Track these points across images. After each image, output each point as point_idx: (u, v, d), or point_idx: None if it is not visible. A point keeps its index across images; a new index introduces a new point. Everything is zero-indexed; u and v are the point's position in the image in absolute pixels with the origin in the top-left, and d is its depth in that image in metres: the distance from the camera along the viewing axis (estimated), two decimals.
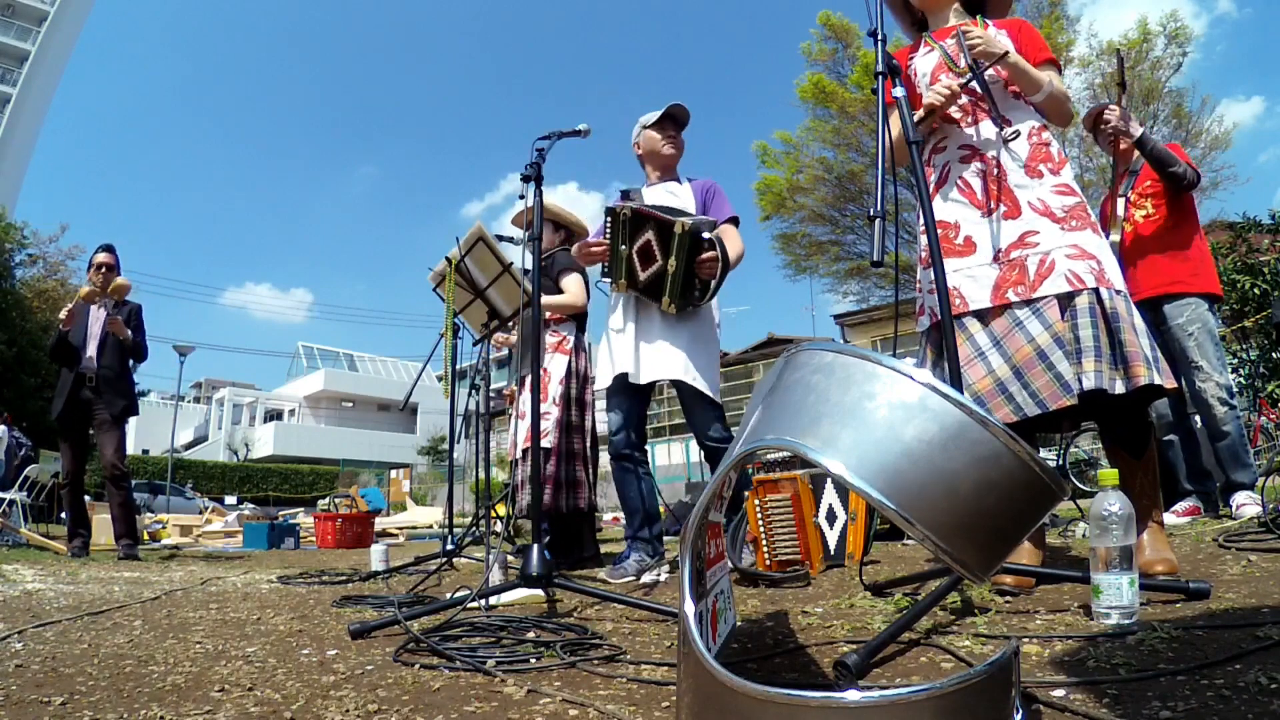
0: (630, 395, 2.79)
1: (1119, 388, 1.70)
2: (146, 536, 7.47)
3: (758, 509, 2.60)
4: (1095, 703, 0.98)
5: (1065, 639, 1.32)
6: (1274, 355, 7.38)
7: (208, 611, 2.21)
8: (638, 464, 2.84)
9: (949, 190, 1.96)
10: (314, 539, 6.63)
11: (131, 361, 4.81)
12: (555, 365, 3.48)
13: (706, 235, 2.57)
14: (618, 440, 2.83)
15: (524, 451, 3.37)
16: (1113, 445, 1.87)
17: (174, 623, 2.01)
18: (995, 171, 1.89)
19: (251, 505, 14.19)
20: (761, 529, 2.59)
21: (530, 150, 2.33)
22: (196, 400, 46.75)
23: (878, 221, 1.55)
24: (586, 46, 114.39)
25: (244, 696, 1.22)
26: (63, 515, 6.58)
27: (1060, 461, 6.47)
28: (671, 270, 2.58)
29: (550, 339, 3.50)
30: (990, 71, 1.96)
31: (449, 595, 2.25)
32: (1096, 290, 1.75)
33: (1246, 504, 3.22)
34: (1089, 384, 1.69)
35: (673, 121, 2.95)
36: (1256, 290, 7.26)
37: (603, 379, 2.84)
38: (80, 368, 4.51)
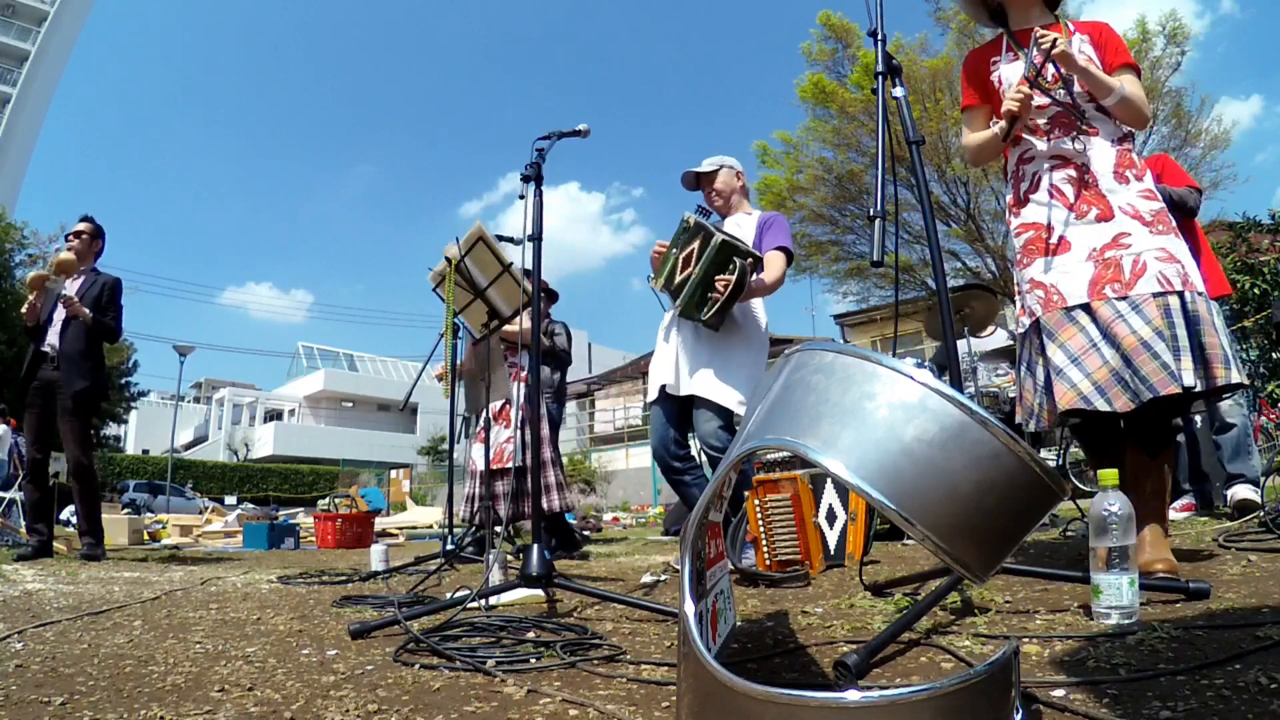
0: (669, 406, 2.88)
1: (1200, 386, 1.77)
2: (146, 536, 7.46)
3: (758, 509, 2.60)
4: (1095, 703, 0.98)
5: (1065, 639, 1.32)
6: (1274, 355, 7.38)
7: (208, 611, 2.21)
8: (685, 470, 2.90)
9: (1040, 196, 2.01)
10: (314, 539, 6.63)
11: (108, 342, 4.38)
12: (515, 393, 3.83)
13: (736, 260, 2.63)
14: (659, 452, 2.91)
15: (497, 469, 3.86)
16: (1132, 444, 1.91)
17: (174, 623, 2.01)
18: (1087, 177, 1.96)
19: (251, 505, 14.19)
20: (761, 529, 2.59)
21: (530, 150, 2.33)
22: (196, 400, 46.75)
23: (878, 221, 1.55)
24: (586, 46, 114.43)
25: (244, 696, 1.22)
26: (62, 515, 6.54)
27: (1060, 461, 6.46)
28: (692, 278, 2.65)
29: (509, 369, 3.76)
30: (1077, 85, 1.98)
31: (449, 595, 2.25)
32: (1182, 293, 1.82)
33: (1242, 489, 3.26)
34: (1188, 380, 1.75)
35: (692, 187, 3.13)
36: (1256, 290, 7.27)
37: (650, 391, 2.98)
38: (44, 346, 4.21)
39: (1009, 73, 2.07)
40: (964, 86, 2.18)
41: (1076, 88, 1.99)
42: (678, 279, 2.77)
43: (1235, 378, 1.76)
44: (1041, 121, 2.03)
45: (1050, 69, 1.97)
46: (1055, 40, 1.89)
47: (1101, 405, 1.81)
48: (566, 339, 5.05)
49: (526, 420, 3.78)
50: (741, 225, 3.01)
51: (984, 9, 2.18)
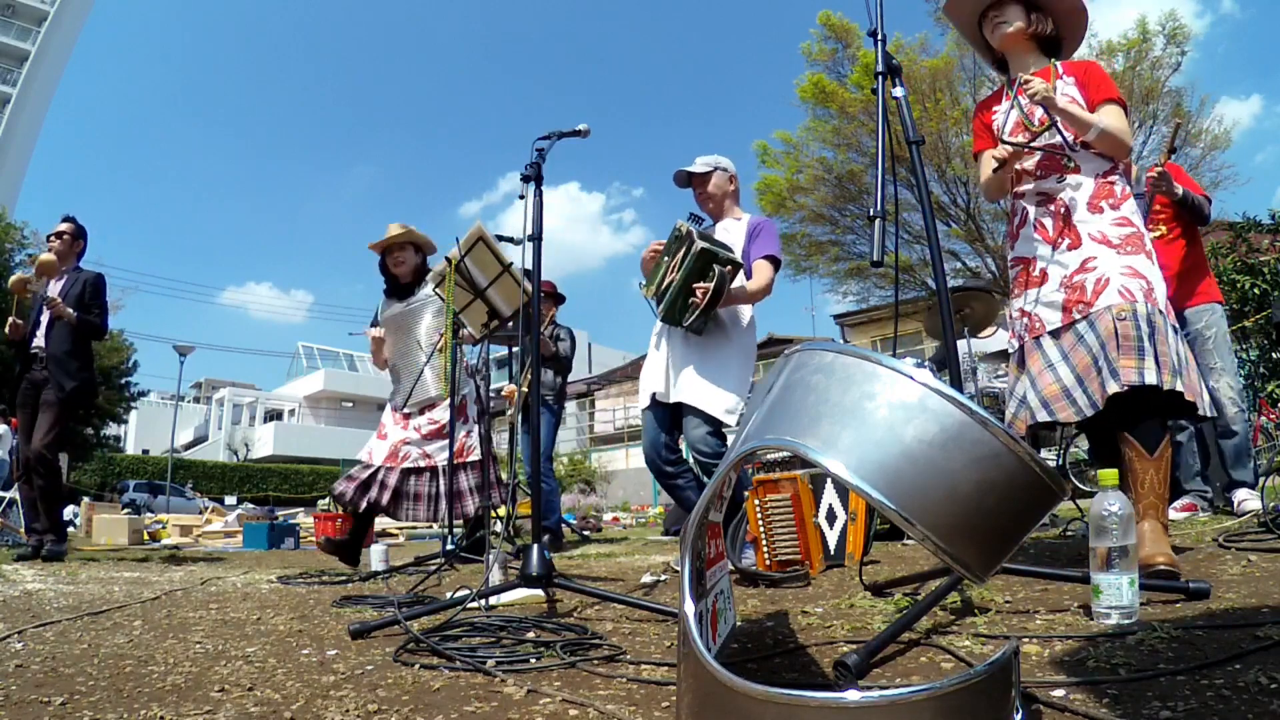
0: (660, 411, 2.90)
1: (1162, 384, 1.86)
2: (146, 536, 7.46)
3: (758, 509, 2.60)
4: (1095, 703, 0.98)
5: (1065, 639, 1.32)
6: (1274, 355, 7.38)
7: (208, 611, 2.21)
8: (679, 474, 2.91)
9: (1028, 231, 2.17)
10: (314, 539, 6.63)
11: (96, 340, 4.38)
12: (469, 388, 3.86)
13: (715, 267, 2.64)
14: (650, 456, 2.93)
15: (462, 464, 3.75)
16: (1131, 441, 1.99)
17: (174, 623, 2.01)
18: (1063, 211, 2.10)
19: (251, 505, 14.18)
20: (761, 529, 2.59)
21: (530, 150, 2.33)
22: (196, 400, 46.75)
23: (878, 221, 1.56)
24: (586, 46, 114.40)
25: (244, 696, 1.22)
26: (64, 515, 6.51)
27: (1060, 461, 6.46)
28: (673, 286, 2.67)
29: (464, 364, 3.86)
30: (1060, 126, 2.10)
31: (449, 595, 2.25)
32: (1144, 305, 1.93)
33: (1248, 499, 3.40)
34: (1150, 379, 1.85)
35: (687, 185, 3.12)
36: (1256, 290, 7.26)
37: (641, 398, 2.99)
38: (32, 348, 4.21)
39: (1003, 119, 2.23)
40: (974, 133, 2.37)
41: (1062, 128, 2.11)
42: (663, 286, 2.79)
43: (1179, 386, 1.86)
44: (1030, 165, 2.18)
45: (1038, 111, 2.12)
46: (1031, 85, 2.03)
47: (1043, 417, 2.03)
48: (571, 346, 5.06)
49: (482, 416, 3.83)
50: (730, 230, 3.01)
51: (991, 58, 2.34)
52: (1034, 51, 2.22)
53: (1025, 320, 2.13)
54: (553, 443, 5.14)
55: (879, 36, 1.88)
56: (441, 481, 3.66)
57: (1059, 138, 2.10)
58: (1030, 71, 2.15)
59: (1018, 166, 2.18)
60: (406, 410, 3.76)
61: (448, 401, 3.68)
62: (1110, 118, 2.05)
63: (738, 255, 2.88)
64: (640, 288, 2.94)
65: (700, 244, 2.65)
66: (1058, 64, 2.18)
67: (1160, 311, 1.93)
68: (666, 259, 2.81)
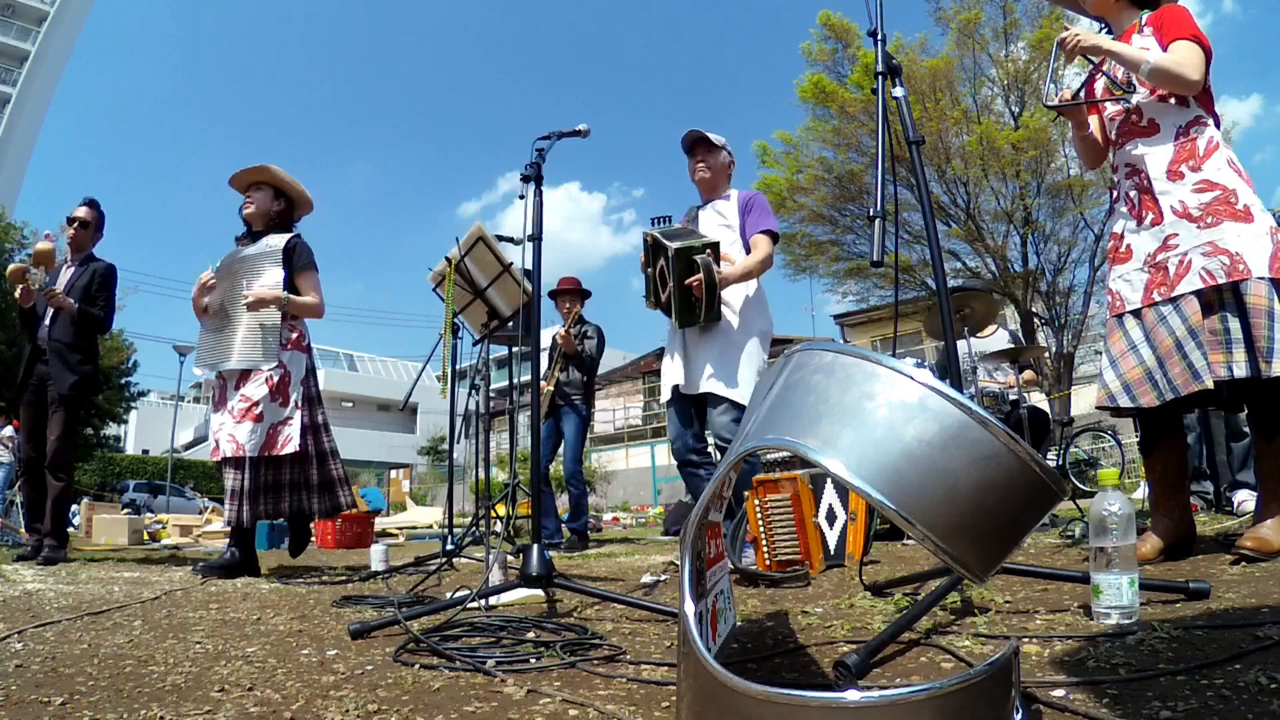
0: (683, 404, 2.97)
1: (1240, 373, 1.84)
2: (146, 536, 7.45)
3: (758, 509, 2.60)
4: (1095, 703, 0.98)
5: (1065, 639, 1.32)
6: None
7: (208, 611, 2.21)
8: (701, 465, 2.99)
9: (1120, 205, 2.18)
10: (314, 539, 6.62)
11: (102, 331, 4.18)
12: (295, 363, 3.28)
13: (697, 259, 2.74)
14: (677, 447, 3.01)
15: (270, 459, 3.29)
16: (1254, 427, 2.01)
17: (174, 623, 2.01)
18: (1145, 183, 2.08)
19: None
20: (761, 529, 2.59)
21: (530, 150, 2.33)
22: (196, 400, 46.74)
23: (878, 221, 1.56)
24: (586, 46, 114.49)
25: (244, 696, 1.22)
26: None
27: (1060, 461, 6.46)
28: (672, 294, 2.76)
29: (289, 334, 3.29)
30: (1135, 83, 2.09)
31: (449, 595, 2.25)
32: (1235, 284, 1.89)
33: (1248, 500, 3.42)
34: (1239, 372, 1.85)
35: (690, 147, 3.16)
36: None
37: (663, 394, 3.09)
38: (36, 339, 4.03)
39: (1098, 88, 2.23)
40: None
41: (1138, 87, 2.07)
42: (664, 296, 2.89)
43: (1275, 371, 1.79)
44: (1112, 134, 2.18)
45: (1119, 71, 2.10)
46: (1065, 38, 2.05)
47: (1124, 402, 1.99)
48: (598, 343, 4.98)
49: (316, 398, 3.36)
50: (724, 212, 3.09)
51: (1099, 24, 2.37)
52: (1127, 9, 2.21)
53: (1109, 297, 2.14)
54: (582, 444, 5.07)
55: (879, 36, 1.89)
56: (269, 472, 3.26)
57: (1133, 99, 2.09)
58: (1122, 29, 2.17)
59: (1107, 135, 2.19)
60: (210, 366, 3.29)
61: (264, 376, 3.17)
62: (1172, 52, 1.98)
63: (734, 226, 3.02)
64: (646, 302, 3.07)
65: (673, 246, 2.75)
66: (1142, 16, 2.16)
67: (1259, 279, 1.85)
68: (650, 271, 2.96)
